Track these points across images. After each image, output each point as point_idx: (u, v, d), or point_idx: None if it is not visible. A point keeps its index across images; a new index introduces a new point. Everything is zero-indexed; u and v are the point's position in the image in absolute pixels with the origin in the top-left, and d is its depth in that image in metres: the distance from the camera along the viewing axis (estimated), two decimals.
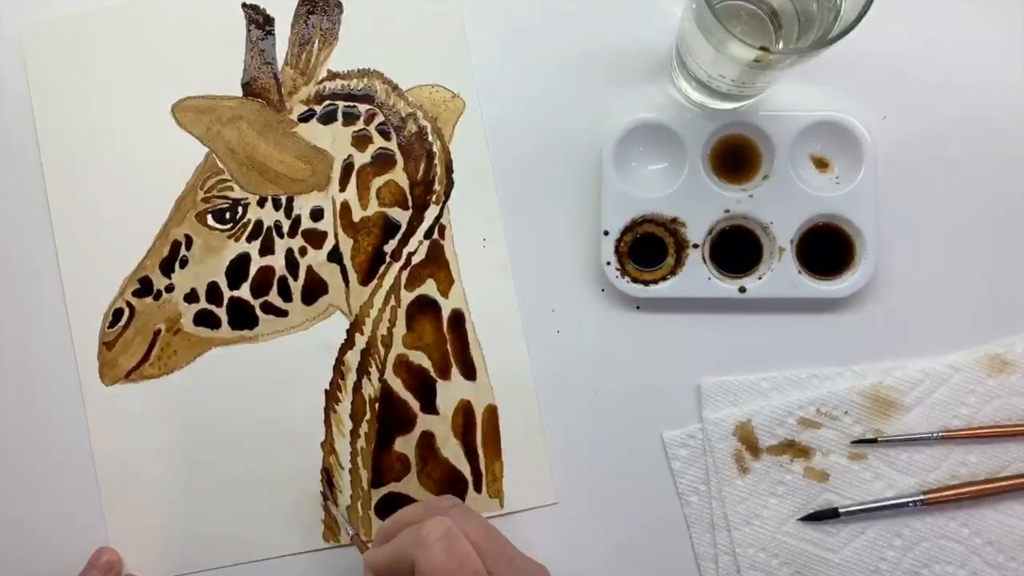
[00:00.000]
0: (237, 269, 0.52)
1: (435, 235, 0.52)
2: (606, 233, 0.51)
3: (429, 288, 0.52)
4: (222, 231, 0.53)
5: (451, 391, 0.52)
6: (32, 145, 0.54)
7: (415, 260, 0.52)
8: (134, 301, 0.53)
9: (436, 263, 0.52)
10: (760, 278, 0.51)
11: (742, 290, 0.51)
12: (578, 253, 0.52)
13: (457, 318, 0.52)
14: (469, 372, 0.52)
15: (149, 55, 0.53)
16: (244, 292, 0.52)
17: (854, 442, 0.50)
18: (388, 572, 0.42)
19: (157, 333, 0.52)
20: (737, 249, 0.51)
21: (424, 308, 0.52)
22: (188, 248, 0.53)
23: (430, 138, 0.53)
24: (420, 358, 0.52)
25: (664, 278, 0.51)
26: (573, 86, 0.52)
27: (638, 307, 0.52)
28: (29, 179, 0.53)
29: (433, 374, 0.52)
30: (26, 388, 0.53)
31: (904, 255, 0.51)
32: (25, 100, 0.54)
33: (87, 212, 0.53)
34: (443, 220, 0.52)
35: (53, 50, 0.54)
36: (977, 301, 0.51)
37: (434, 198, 0.52)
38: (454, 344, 0.52)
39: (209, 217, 0.53)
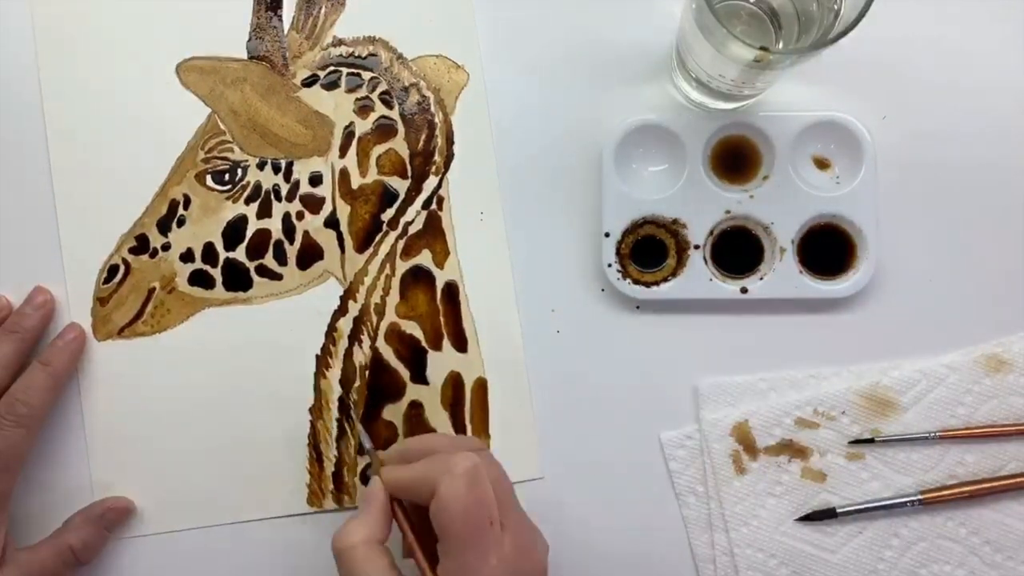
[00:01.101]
0: (234, 231, 0.52)
1: (433, 206, 0.52)
2: (607, 235, 0.51)
3: (424, 259, 0.52)
4: (221, 192, 0.53)
5: (442, 362, 0.52)
6: (35, 95, 0.53)
7: (412, 230, 0.52)
8: (130, 258, 0.53)
9: (432, 234, 0.52)
10: (761, 279, 0.51)
11: (744, 291, 0.51)
12: (578, 254, 0.52)
13: (451, 290, 0.52)
14: (461, 344, 0.52)
15: (156, 12, 0.53)
16: (240, 254, 0.52)
17: (852, 442, 0.50)
18: (405, 492, 0.43)
19: (151, 291, 0.53)
20: (738, 250, 0.51)
21: (418, 278, 0.52)
22: (186, 208, 0.53)
23: (432, 109, 0.53)
24: (412, 328, 0.52)
25: (665, 279, 0.51)
26: (572, 87, 0.52)
27: (638, 307, 0.52)
28: (31, 129, 0.53)
29: (424, 344, 0.52)
30: None
31: (904, 254, 0.51)
32: (30, 50, 0.54)
33: (87, 166, 0.53)
34: (441, 192, 0.52)
35: (63, 4, 0.53)
36: (976, 300, 0.51)
37: (433, 169, 0.52)
38: (447, 316, 0.52)
39: (208, 178, 0.53)
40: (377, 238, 0.52)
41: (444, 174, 0.52)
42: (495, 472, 0.43)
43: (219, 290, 0.52)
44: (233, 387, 0.52)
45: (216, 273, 0.52)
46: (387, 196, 0.52)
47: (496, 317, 0.52)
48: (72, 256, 0.53)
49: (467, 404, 0.52)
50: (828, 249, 0.51)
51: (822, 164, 0.52)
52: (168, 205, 0.53)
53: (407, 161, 0.52)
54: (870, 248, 0.50)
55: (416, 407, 0.52)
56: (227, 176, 0.52)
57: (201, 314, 0.52)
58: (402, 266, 0.52)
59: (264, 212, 0.52)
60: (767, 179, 0.51)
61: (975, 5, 0.52)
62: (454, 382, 0.52)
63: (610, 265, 0.51)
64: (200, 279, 0.52)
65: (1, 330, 0.50)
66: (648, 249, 0.51)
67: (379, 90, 0.53)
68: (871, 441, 0.50)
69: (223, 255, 0.52)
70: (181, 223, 0.53)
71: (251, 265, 0.52)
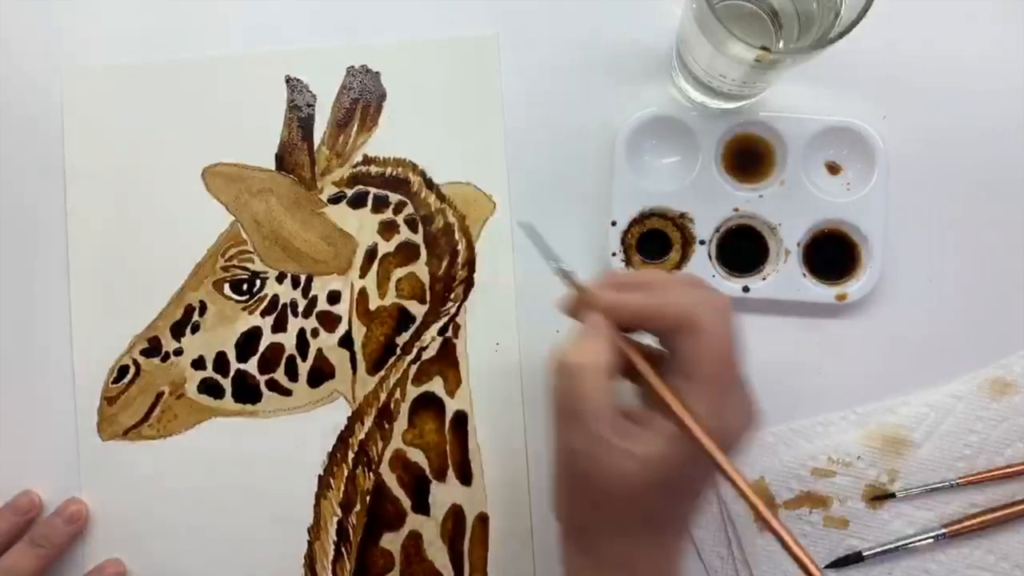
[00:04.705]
0: (247, 342, 0.52)
1: (448, 333, 0.52)
2: (614, 223, 0.51)
3: (436, 386, 0.52)
4: (237, 302, 0.52)
5: (444, 493, 0.51)
6: (59, 187, 0.53)
7: (425, 356, 0.52)
8: (141, 360, 0.52)
9: (446, 361, 0.52)
10: (764, 279, 0.51)
11: (745, 289, 0.51)
12: (580, 253, 0.52)
13: (460, 420, 0.52)
14: (465, 477, 0.52)
15: (187, 115, 0.53)
16: (251, 366, 0.52)
17: (872, 499, 0.50)
18: (639, 319, 0.38)
19: (160, 395, 0.52)
20: (743, 248, 0.51)
21: (428, 405, 0.52)
22: (202, 314, 0.52)
23: (456, 235, 0.52)
24: (418, 456, 0.52)
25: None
26: (572, 87, 0.52)
27: None
28: (52, 221, 0.53)
29: (428, 474, 0.51)
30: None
31: (907, 262, 0.51)
32: (58, 139, 0.53)
33: (105, 263, 0.53)
34: (458, 319, 0.52)
35: (93, 96, 0.53)
36: (979, 313, 0.51)
37: (452, 296, 0.52)
38: (453, 446, 0.52)
39: (226, 286, 0.52)
40: (390, 361, 0.52)
41: (463, 302, 0.52)
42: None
43: (228, 400, 0.52)
44: (234, 499, 0.52)
45: (226, 383, 0.52)
46: (404, 319, 0.52)
47: (504, 452, 0.52)
48: (83, 353, 0.52)
49: (467, 539, 0.51)
50: (834, 255, 0.51)
51: (833, 169, 0.52)
52: (184, 310, 0.52)
53: (427, 286, 0.52)
54: (875, 256, 0.50)
55: (415, 537, 0.51)
56: (245, 286, 0.52)
57: (208, 423, 0.52)
58: (413, 391, 0.52)
59: (279, 326, 0.52)
60: (778, 180, 0.50)
61: (976, 5, 0.52)
62: (455, 515, 0.51)
63: (614, 254, 0.51)
64: (210, 388, 0.52)
65: (27, 540, 0.49)
66: (653, 243, 0.51)
67: (405, 212, 0.52)
68: (892, 496, 0.50)
69: (235, 366, 0.52)
70: (195, 329, 0.52)
71: (262, 378, 0.52)
